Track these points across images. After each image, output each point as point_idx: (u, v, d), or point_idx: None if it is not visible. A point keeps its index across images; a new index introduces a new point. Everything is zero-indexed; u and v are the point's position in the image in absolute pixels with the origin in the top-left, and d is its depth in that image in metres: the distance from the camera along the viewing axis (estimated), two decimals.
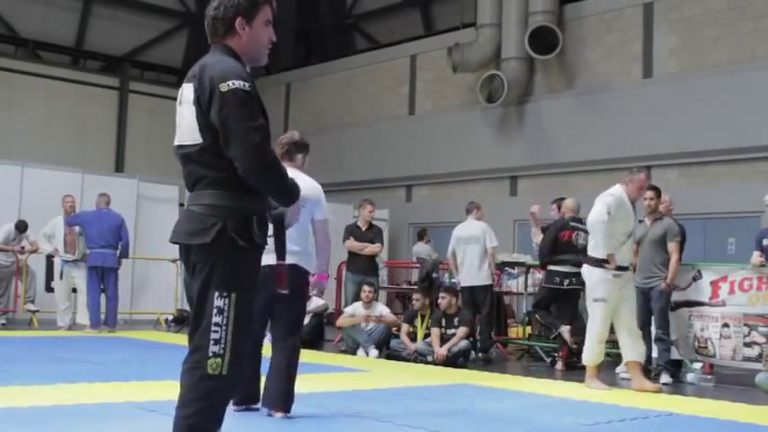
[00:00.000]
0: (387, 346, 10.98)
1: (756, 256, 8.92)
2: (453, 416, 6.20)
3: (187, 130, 3.37)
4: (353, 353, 10.86)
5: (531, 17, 16.08)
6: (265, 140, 3.27)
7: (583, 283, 10.32)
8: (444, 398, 7.19)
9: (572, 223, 10.46)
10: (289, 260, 5.57)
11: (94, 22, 21.27)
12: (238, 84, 3.26)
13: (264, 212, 3.47)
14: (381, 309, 11.37)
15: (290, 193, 3.46)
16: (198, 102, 3.32)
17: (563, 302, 10.41)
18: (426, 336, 10.61)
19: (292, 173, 5.68)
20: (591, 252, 8.24)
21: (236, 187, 3.31)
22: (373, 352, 10.77)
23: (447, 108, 18.39)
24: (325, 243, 6.02)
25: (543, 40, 15.77)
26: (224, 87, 3.25)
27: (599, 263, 8.03)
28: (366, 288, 11.02)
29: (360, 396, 6.88)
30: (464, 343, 10.19)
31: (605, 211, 7.97)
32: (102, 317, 12.71)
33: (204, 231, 3.28)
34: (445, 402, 6.94)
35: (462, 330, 10.21)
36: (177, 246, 3.43)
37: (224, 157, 3.28)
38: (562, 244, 10.33)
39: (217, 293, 3.27)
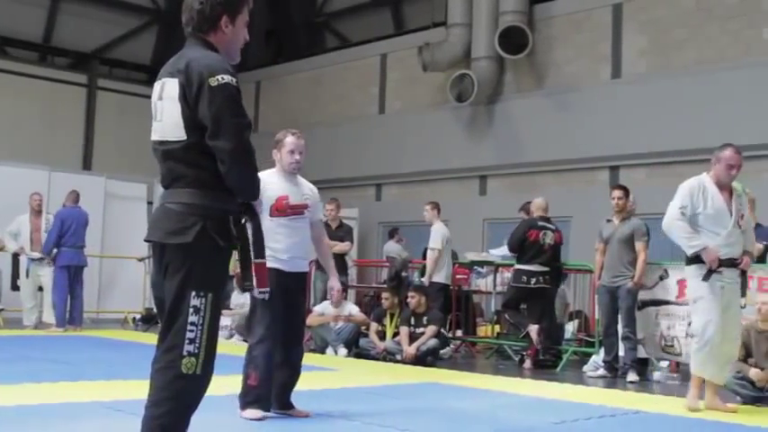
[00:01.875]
0: (356, 345, 10.97)
1: None
2: (422, 414, 6.21)
3: (170, 126, 3.34)
4: (322, 352, 10.85)
5: (502, 17, 16.12)
6: (249, 136, 3.32)
7: (550, 282, 10.44)
8: (413, 396, 7.20)
9: (540, 223, 10.52)
10: (303, 267, 5.80)
11: (63, 18, 21.06)
12: (228, 78, 3.27)
13: (238, 212, 3.43)
14: (351, 308, 11.37)
15: (258, 188, 3.46)
16: (184, 97, 3.29)
17: (531, 301, 10.47)
18: (395, 334, 10.62)
19: (292, 178, 5.80)
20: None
21: (216, 187, 3.31)
22: (342, 351, 10.77)
23: (417, 107, 18.40)
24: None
25: (513, 40, 15.82)
26: (214, 82, 3.25)
27: (692, 259, 6.85)
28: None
29: (328, 395, 6.87)
30: (433, 342, 10.21)
31: (678, 208, 6.97)
32: (67, 315, 12.61)
33: (184, 230, 3.27)
34: (414, 401, 6.95)
35: (431, 329, 10.22)
36: (147, 244, 3.40)
37: (208, 155, 3.28)
38: (529, 243, 10.39)
39: (194, 293, 3.26)
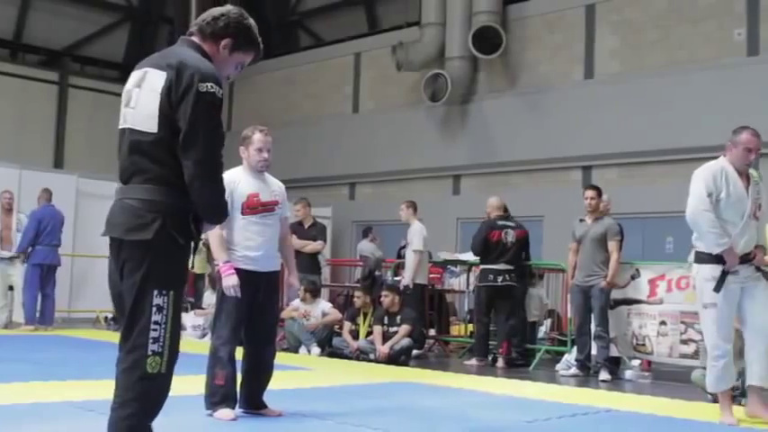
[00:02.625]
0: (329, 345, 10.96)
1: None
2: (395, 413, 6.21)
3: (144, 116, 3.27)
4: (295, 351, 10.82)
5: (475, 17, 16.16)
6: (221, 150, 3.29)
7: (517, 280, 10.50)
8: (386, 395, 7.20)
9: (500, 222, 10.61)
10: (275, 266, 5.77)
11: (34, 14, 20.88)
12: (216, 89, 3.24)
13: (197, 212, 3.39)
14: (324, 306, 11.35)
15: (221, 213, 3.44)
16: (168, 93, 3.23)
17: (500, 300, 10.52)
18: (369, 334, 10.62)
19: (260, 175, 5.77)
20: (695, 244, 6.50)
21: (176, 184, 3.25)
22: (315, 350, 10.75)
23: (391, 106, 18.41)
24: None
25: (487, 40, 15.86)
26: (203, 88, 3.21)
27: (707, 257, 6.21)
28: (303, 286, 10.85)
29: (301, 394, 6.85)
30: (406, 341, 10.21)
31: (705, 195, 6.29)
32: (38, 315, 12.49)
33: (144, 227, 3.22)
34: (387, 400, 6.94)
35: (404, 328, 10.23)
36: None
37: (173, 154, 3.24)
38: (492, 244, 10.45)
39: (156, 291, 3.22)
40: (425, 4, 17.02)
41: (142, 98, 3.30)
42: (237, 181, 5.65)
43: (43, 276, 12.60)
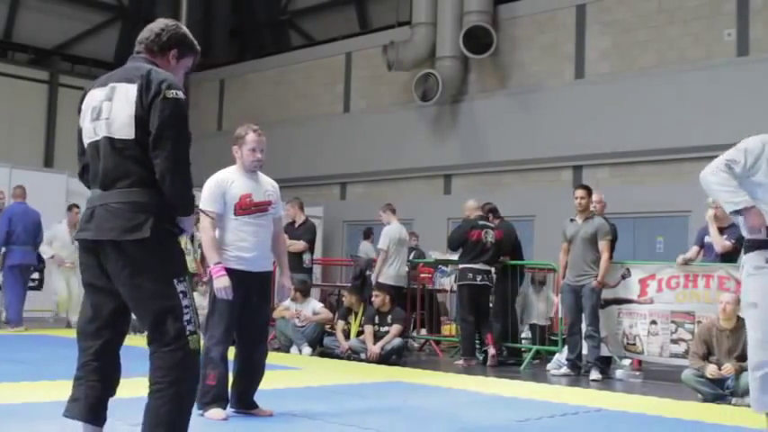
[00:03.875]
0: (320, 344, 10.96)
1: (693, 253, 9.09)
2: (385, 413, 6.21)
3: (121, 125, 3.51)
4: (286, 351, 10.81)
5: (466, 17, 16.17)
6: (188, 148, 3.54)
7: (492, 281, 10.57)
8: (377, 395, 7.20)
9: (480, 222, 10.65)
10: (268, 266, 5.76)
11: (24, 13, 20.83)
12: (181, 95, 3.54)
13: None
14: (314, 305, 11.34)
15: (191, 205, 3.63)
16: (140, 100, 3.49)
17: (480, 300, 10.57)
18: (360, 333, 10.62)
19: (253, 175, 5.75)
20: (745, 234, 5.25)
21: (157, 186, 3.49)
22: (306, 350, 10.75)
23: (382, 106, 18.41)
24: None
25: (478, 40, 15.88)
26: (170, 94, 3.50)
27: (752, 244, 5.11)
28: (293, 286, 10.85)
29: (292, 394, 6.85)
30: (397, 341, 10.21)
31: (725, 161, 5.16)
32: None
33: (139, 227, 3.43)
34: (377, 400, 6.94)
35: (395, 328, 10.23)
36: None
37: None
38: (472, 243, 10.50)
39: (176, 280, 3.50)
40: (416, 4, 17.03)
41: (116, 109, 3.55)
42: (230, 181, 5.64)
43: (19, 277, 12.38)
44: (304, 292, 11.16)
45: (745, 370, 7.44)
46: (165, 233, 3.50)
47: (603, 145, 14.62)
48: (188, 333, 3.47)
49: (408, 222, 16.42)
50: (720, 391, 7.58)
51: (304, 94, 20.07)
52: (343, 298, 11.14)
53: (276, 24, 22.80)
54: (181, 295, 3.50)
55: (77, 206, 12.69)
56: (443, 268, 12.99)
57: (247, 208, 5.64)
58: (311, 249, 12.02)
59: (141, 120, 3.48)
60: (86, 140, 3.65)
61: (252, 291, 5.58)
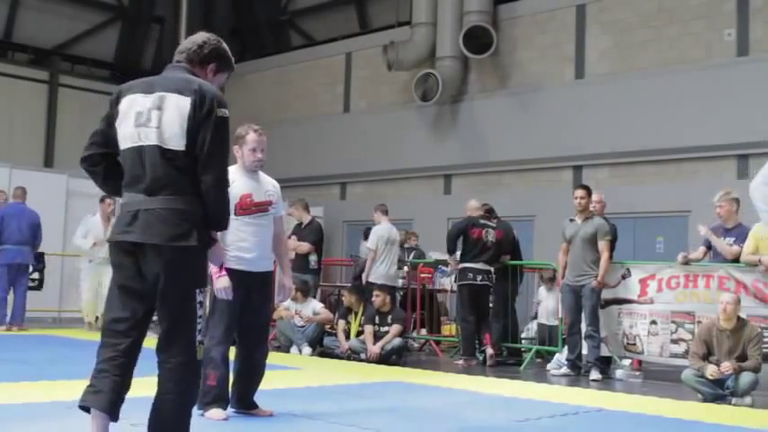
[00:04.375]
0: (320, 344, 10.96)
1: (700, 252, 9.10)
2: (386, 413, 6.21)
3: (172, 135, 3.64)
4: (286, 351, 10.82)
5: (466, 17, 16.16)
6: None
7: (492, 281, 10.57)
8: (377, 395, 7.20)
9: (481, 221, 10.66)
10: (269, 266, 5.77)
11: (24, 13, 20.80)
12: (227, 114, 3.73)
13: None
14: (315, 305, 11.35)
15: (225, 221, 3.82)
16: (194, 115, 3.64)
17: (481, 300, 10.57)
18: (359, 333, 10.62)
19: (254, 175, 5.75)
20: None
21: (199, 195, 3.67)
22: (306, 350, 10.76)
23: (382, 106, 18.40)
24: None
25: (478, 40, 15.87)
26: (221, 113, 3.68)
27: None
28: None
29: (292, 394, 6.85)
30: (397, 341, 10.22)
31: None
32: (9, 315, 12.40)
33: (186, 235, 3.61)
34: (378, 400, 6.95)
35: (395, 328, 10.24)
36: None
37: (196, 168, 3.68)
38: (472, 241, 10.51)
39: (198, 290, 3.69)
40: (416, 4, 17.03)
41: (167, 119, 3.67)
42: (231, 181, 5.62)
43: (13, 276, 12.43)
44: (304, 292, 11.18)
45: (745, 370, 7.48)
46: (203, 244, 3.68)
47: (603, 145, 14.61)
48: (198, 342, 3.66)
49: (408, 222, 16.42)
50: (720, 391, 7.59)
51: (304, 94, 20.06)
52: (343, 298, 11.15)
53: (276, 24, 22.79)
54: (198, 305, 3.67)
55: (109, 197, 12.59)
56: (443, 268, 12.99)
57: (248, 208, 5.64)
58: (318, 250, 12.01)
59: (192, 133, 3.64)
60: (127, 143, 3.73)
61: (252, 291, 5.59)
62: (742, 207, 9.33)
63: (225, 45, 4.05)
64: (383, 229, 11.68)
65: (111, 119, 3.83)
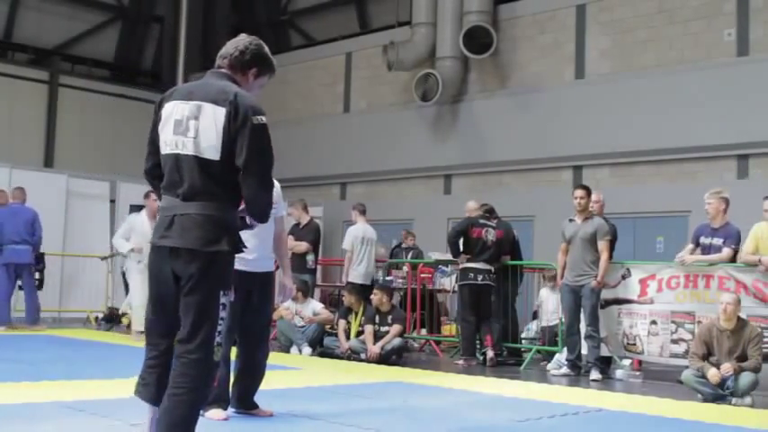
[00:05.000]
0: (320, 344, 10.96)
1: (687, 251, 9.09)
2: (386, 413, 6.21)
3: (208, 146, 3.76)
4: (287, 351, 10.82)
5: (466, 17, 16.16)
6: (273, 166, 3.88)
7: (495, 280, 10.57)
8: (377, 395, 7.20)
9: (481, 221, 10.67)
10: (269, 266, 5.76)
11: (24, 13, 20.82)
12: (265, 120, 3.85)
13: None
14: (315, 305, 11.35)
15: (267, 213, 3.96)
16: (228, 126, 3.76)
17: (482, 299, 10.57)
18: (359, 333, 10.63)
19: None
20: None
21: (232, 202, 3.83)
22: (306, 350, 10.76)
23: (382, 106, 18.40)
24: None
25: (478, 40, 15.86)
26: (256, 121, 3.80)
27: None
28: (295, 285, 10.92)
29: (292, 394, 6.85)
30: (397, 341, 10.22)
31: None
32: (18, 314, 12.41)
33: (219, 240, 3.75)
34: (378, 400, 6.95)
35: (395, 328, 10.25)
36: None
37: (233, 175, 3.77)
38: (473, 241, 10.52)
39: (222, 292, 3.80)
40: (416, 4, 17.02)
41: (203, 130, 3.79)
42: None
43: (16, 276, 12.49)
44: (305, 292, 11.20)
45: (745, 370, 7.48)
46: (232, 248, 3.81)
47: (603, 145, 14.61)
48: (216, 344, 3.75)
49: (408, 222, 16.44)
50: (720, 392, 7.59)
51: (304, 95, 20.06)
52: (343, 298, 11.16)
53: (276, 24, 22.79)
54: (221, 307, 3.78)
55: (154, 192, 12.38)
56: (443, 268, 13.00)
57: None
58: (315, 250, 12.09)
59: (227, 143, 3.74)
60: (167, 149, 3.86)
61: (253, 291, 5.59)
62: (743, 207, 9.34)
63: (266, 49, 4.24)
64: (357, 229, 11.85)
65: (155, 124, 3.96)
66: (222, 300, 3.78)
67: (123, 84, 21.42)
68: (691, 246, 9.18)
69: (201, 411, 5.42)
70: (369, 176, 18.49)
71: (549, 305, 11.24)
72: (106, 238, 15.50)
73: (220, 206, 3.78)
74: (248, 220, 3.92)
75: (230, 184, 3.78)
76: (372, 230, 12.07)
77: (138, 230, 11.51)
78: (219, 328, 3.77)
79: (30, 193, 13.00)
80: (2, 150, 18.22)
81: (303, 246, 11.73)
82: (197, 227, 3.73)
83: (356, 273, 11.61)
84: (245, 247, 3.92)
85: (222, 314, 3.78)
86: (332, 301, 14.22)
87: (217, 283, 3.78)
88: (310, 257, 11.94)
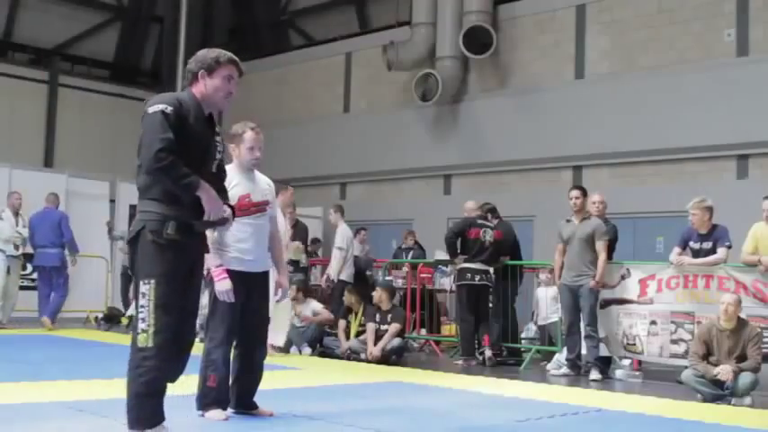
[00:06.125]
0: (320, 344, 10.96)
1: (675, 254, 9.10)
2: (386, 413, 6.21)
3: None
4: (286, 351, 10.81)
5: (466, 17, 16.16)
6: (165, 150, 4.07)
7: (491, 281, 10.58)
8: (377, 395, 7.21)
9: (479, 221, 10.67)
10: (267, 266, 5.73)
11: (23, 13, 20.81)
12: (161, 107, 4.14)
13: (183, 218, 4.26)
14: (314, 306, 11.35)
15: (185, 189, 4.21)
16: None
17: (480, 300, 10.57)
18: (359, 333, 10.63)
19: (250, 174, 5.71)
20: None
21: (162, 198, 4.23)
22: (306, 350, 10.76)
23: (382, 106, 18.40)
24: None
25: (477, 40, 15.87)
26: (149, 111, 4.16)
27: None
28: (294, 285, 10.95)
29: (292, 394, 6.85)
30: (397, 341, 10.22)
31: None
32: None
33: (132, 231, 4.33)
34: (378, 400, 6.95)
35: (394, 326, 10.22)
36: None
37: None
38: (471, 241, 10.52)
39: (141, 281, 4.30)
40: (416, 4, 17.03)
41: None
42: (229, 182, 5.59)
43: (46, 277, 13.06)
44: (305, 291, 11.21)
45: (744, 370, 7.48)
46: (148, 239, 4.30)
47: (603, 145, 14.61)
48: (138, 330, 4.14)
49: (408, 222, 16.44)
50: (720, 392, 7.59)
51: (304, 95, 20.06)
52: (344, 297, 11.16)
53: (276, 24, 22.78)
54: (140, 295, 4.18)
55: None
56: (443, 268, 13.01)
57: (247, 209, 5.61)
58: (306, 250, 12.35)
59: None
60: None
61: (252, 291, 5.57)
62: (742, 207, 9.35)
63: (206, 50, 4.70)
64: (347, 228, 12.20)
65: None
66: (142, 289, 4.20)
67: (123, 84, 21.42)
68: (678, 249, 9.18)
69: (201, 412, 5.43)
70: (368, 176, 18.50)
71: (544, 304, 11.25)
72: (106, 238, 15.56)
73: (144, 202, 4.32)
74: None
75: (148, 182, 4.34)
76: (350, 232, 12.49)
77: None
78: (141, 314, 4.18)
79: (30, 193, 13.12)
80: (2, 150, 18.20)
81: (291, 244, 11.85)
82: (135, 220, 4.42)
83: (348, 272, 11.92)
84: (174, 240, 4.26)
85: (141, 301, 4.18)
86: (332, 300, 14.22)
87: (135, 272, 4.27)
88: (303, 258, 12.17)
